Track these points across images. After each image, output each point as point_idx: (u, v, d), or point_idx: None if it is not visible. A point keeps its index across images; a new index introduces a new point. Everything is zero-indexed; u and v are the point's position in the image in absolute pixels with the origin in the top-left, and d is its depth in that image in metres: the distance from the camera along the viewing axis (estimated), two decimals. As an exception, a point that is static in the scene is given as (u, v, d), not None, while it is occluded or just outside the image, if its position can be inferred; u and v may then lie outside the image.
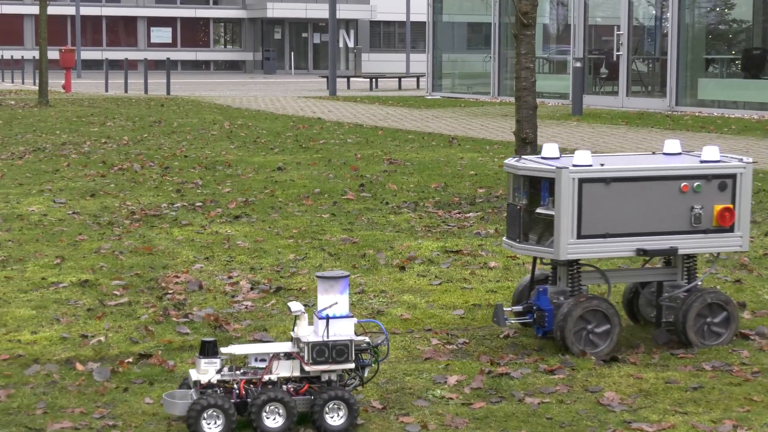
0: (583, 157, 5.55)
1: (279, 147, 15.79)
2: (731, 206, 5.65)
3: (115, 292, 6.95)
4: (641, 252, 5.58)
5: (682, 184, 5.59)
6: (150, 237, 8.81)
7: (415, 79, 41.86)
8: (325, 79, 39.91)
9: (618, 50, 25.31)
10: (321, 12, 63.46)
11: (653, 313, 5.98)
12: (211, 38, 67.70)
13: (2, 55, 50.40)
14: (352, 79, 40.93)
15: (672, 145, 6.02)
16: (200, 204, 10.44)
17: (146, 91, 33.23)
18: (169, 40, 65.67)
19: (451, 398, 4.95)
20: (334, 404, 4.51)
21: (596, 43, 28.05)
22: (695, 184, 5.60)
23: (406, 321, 6.24)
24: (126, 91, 34.20)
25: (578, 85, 22.54)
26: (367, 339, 4.72)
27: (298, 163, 13.78)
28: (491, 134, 18.11)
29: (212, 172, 12.89)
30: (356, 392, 4.83)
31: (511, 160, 5.79)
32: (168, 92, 32.04)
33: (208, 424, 4.41)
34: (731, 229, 5.69)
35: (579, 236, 5.48)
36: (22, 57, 49.67)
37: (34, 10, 58.94)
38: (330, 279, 4.66)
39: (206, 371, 4.56)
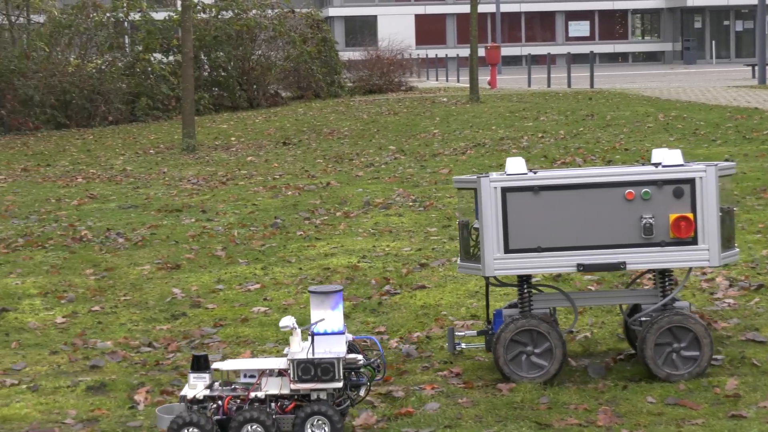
0: (515, 165, 5.04)
1: (720, 138, 15.31)
2: (689, 215, 4.89)
3: (590, 287, 6.92)
4: (581, 267, 4.96)
5: (627, 191, 4.92)
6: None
7: None
8: (749, 68, 38.50)
9: None
10: (743, -2, 61.47)
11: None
12: (629, 30, 67.12)
13: (426, 54, 52.23)
14: (780, 66, 39.19)
15: (663, 153, 5.19)
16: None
17: (569, 85, 33.30)
18: (587, 34, 65.68)
19: None
20: (318, 420, 4.29)
21: None
22: (642, 191, 4.91)
23: None
24: (549, 85, 34.43)
25: None
26: (360, 357, 4.46)
27: (745, 155, 13.29)
28: None
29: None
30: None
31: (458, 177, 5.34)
32: (591, 85, 31.96)
33: None
34: (693, 241, 4.91)
35: (507, 251, 4.98)
36: (446, 55, 51.23)
37: (456, 9, 60.79)
38: (320, 294, 4.41)
39: (195, 386, 4.44)
